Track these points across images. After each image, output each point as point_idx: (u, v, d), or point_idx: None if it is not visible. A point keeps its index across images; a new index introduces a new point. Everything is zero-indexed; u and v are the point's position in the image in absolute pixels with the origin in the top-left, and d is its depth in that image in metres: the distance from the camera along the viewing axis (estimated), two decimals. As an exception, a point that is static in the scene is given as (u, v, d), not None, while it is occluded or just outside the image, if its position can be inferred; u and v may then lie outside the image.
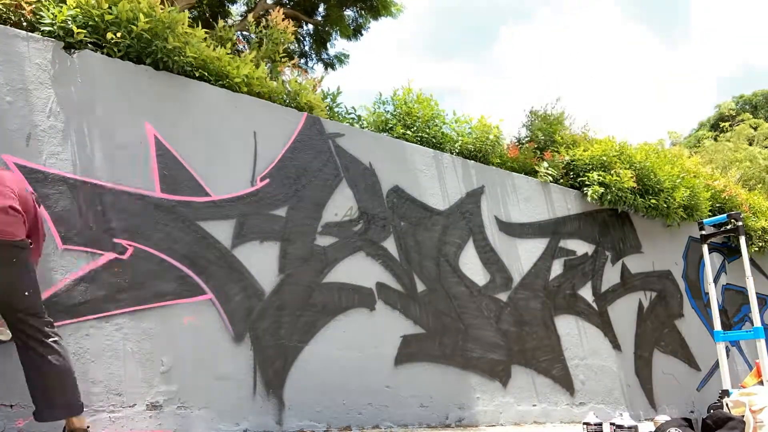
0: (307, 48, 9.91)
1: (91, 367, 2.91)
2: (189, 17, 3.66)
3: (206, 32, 3.76)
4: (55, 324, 2.82)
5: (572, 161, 5.71)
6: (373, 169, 4.26)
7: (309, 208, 3.87)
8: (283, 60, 4.43)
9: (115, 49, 3.29)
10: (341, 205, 4.03)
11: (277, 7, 4.98)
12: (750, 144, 18.86)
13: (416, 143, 4.76)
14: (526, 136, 6.15)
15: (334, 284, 3.88)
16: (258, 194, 3.66)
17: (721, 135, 22.15)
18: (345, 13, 9.23)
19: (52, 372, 2.44)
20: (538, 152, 5.85)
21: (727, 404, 3.36)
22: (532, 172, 5.49)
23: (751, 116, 23.16)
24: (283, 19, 4.45)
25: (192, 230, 3.36)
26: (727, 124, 23.68)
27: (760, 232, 6.84)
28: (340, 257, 3.95)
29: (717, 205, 6.72)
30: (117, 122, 3.21)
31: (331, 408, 3.68)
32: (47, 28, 3.12)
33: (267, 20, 4.44)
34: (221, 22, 4.17)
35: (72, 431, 2.50)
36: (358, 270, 4.01)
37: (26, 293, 2.43)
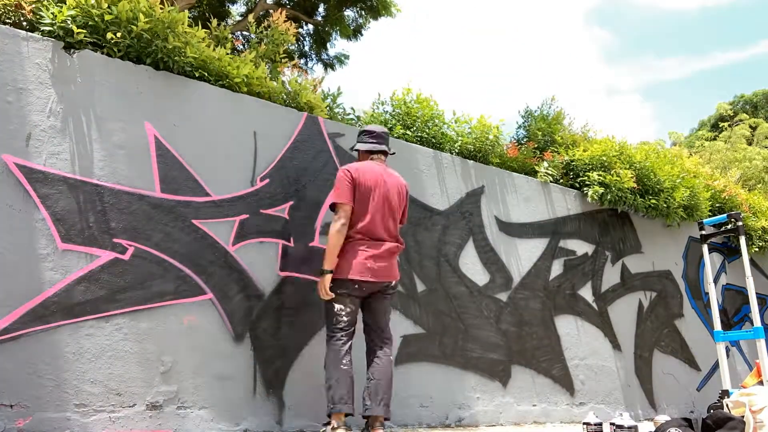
0: (306, 48, 9.93)
1: (91, 367, 2.90)
2: (189, 17, 3.66)
3: (206, 32, 3.76)
4: (55, 324, 2.84)
5: (572, 161, 5.71)
6: (373, 169, 4.25)
7: (309, 208, 3.87)
8: (283, 60, 4.43)
9: (115, 49, 3.29)
10: (341, 205, 4.03)
11: (279, 9, 4.98)
12: (749, 144, 18.87)
13: (416, 143, 4.76)
14: (524, 137, 6.14)
15: (334, 284, 3.87)
16: (258, 194, 3.66)
17: (721, 135, 22.19)
18: (345, 13, 9.25)
19: None
20: (538, 152, 5.85)
21: (727, 404, 3.35)
22: (532, 172, 5.49)
23: (747, 116, 23.21)
24: (285, 21, 4.44)
25: (192, 230, 3.36)
26: (726, 124, 23.73)
27: (760, 232, 6.85)
28: (340, 257, 3.94)
29: (717, 205, 6.72)
30: (117, 122, 3.21)
31: (331, 408, 3.67)
32: (47, 28, 3.12)
33: (268, 21, 4.44)
34: (214, 21, 4.17)
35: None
36: (358, 270, 4.00)
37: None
